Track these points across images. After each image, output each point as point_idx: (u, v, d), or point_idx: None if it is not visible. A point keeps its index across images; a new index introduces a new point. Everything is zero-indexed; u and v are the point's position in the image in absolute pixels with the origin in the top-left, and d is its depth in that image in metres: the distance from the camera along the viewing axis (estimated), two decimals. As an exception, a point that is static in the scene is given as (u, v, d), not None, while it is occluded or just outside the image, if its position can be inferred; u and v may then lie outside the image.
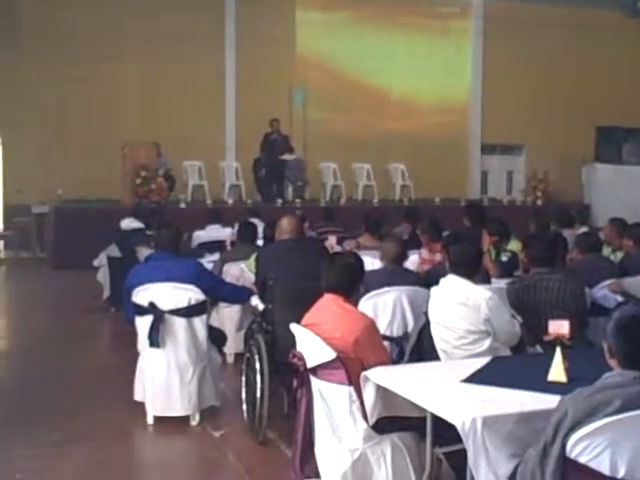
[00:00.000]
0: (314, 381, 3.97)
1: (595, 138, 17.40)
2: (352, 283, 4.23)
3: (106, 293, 9.98)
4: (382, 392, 3.64)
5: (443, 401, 3.31)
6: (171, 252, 5.78)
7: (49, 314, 9.97)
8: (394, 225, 9.05)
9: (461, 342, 4.52)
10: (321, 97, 16.49)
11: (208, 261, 7.44)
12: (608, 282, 5.79)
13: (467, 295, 4.51)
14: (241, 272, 6.97)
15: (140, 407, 5.73)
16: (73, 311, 9.82)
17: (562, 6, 17.35)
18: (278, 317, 5.14)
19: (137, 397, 5.80)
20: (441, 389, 3.47)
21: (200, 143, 15.25)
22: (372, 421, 3.73)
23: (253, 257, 6.12)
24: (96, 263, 10.15)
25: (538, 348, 4.72)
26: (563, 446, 2.74)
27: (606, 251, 7.14)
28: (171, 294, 5.55)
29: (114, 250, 9.69)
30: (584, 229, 8.34)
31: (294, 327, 4.18)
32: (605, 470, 2.71)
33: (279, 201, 14.37)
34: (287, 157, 14.99)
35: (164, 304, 5.53)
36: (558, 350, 3.54)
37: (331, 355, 3.83)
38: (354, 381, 3.77)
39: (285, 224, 5.77)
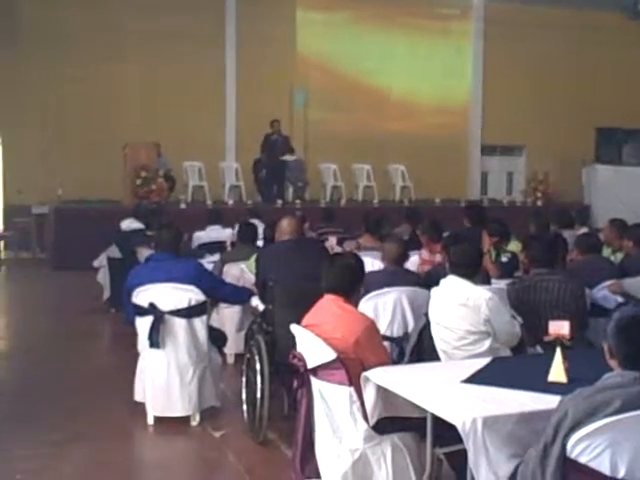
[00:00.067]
0: (314, 382, 3.98)
1: (595, 139, 17.41)
2: (352, 284, 4.23)
3: (106, 294, 9.98)
4: (382, 392, 3.65)
5: (443, 401, 3.31)
6: (171, 253, 5.78)
7: (49, 315, 9.97)
8: (394, 226, 9.05)
9: (461, 343, 4.52)
10: (322, 98, 16.49)
11: (208, 262, 7.44)
12: (608, 283, 5.80)
13: (467, 296, 4.52)
14: (241, 273, 6.97)
15: (140, 407, 5.73)
16: (73, 312, 9.81)
17: (562, 8, 17.35)
18: (278, 318, 5.14)
19: (137, 397, 5.80)
20: (441, 389, 3.47)
21: (200, 144, 15.26)
22: (372, 421, 3.73)
23: (253, 258, 6.12)
24: (96, 264, 10.15)
25: (538, 349, 4.72)
26: (563, 446, 2.75)
27: (606, 252, 7.15)
28: (171, 295, 5.55)
29: (114, 251, 9.69)
30: (584, 230, 8.34)
31: (294, 328, 4.18)
32: (605, 470, 2.71)
33: (279, 202, 14.37)
34: (288, 158, 15.00)
35: (164, 305, 5.53)
36: (558, 351, 3.55)
37: (331, 356, 3.83)
38: (354, 381, 3.77)
39: (285, 225, 5.77)
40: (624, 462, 2.70)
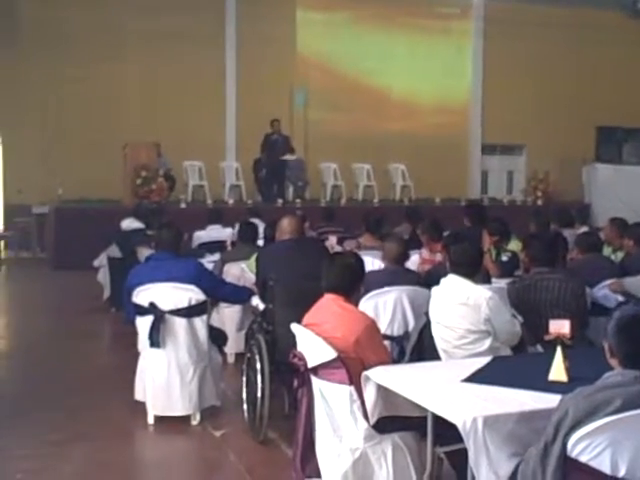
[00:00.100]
0: (315, 381, 3.98)
1: (595, 138, 17.42)
2: (352, 283, 4.23)
3: (106, 293, 9.99)
4: (383, 392, 3.64)
5: (444, 401, 3.31)
6: (171, 252, 5.77)
7: (49, 314, 9.97)
8: (394, 225, 9.06)
9: (462, 342, 4.52)
10: (322, 97, 16.49)
11: (208, 261, 7.44)
12: (609, 282, 5.80)
13: (468, 295, 4.52)
14: (242, 272, 6.97)
15: (141, 407, 5.73)
16: (74, 311, 9.82)
17: (562, 7, 17.35)
18: (279, 317, 5.14)
19: (138, 397, 5.80)
20: (442, 389, 3.47)
21: (200, 143, 15.26)
22: (373, 421, 3.73)
23: (253, 257, 6.11)
24: (96, 263, 10.15)
25: (539, 348, 4.72)
26: (564, 445, 2.75)
27: (607, 251, 7.14)
28: (171, 294, 5.55)
29: (114, 250, 9.69)
30: (584, 229, 8.34)
31: (295, 327, 4.18)
32: (606, 469, 2.71)
33: (279, 201, 14.37)
34: (288, 157, 15.00)
35: (164, 304, 5.53)
36: (559, 350, 3.54)
37: (332, 355, 3.83)
38: (355, 381, 3.77)
39: (286, 224, 5.77)
40: (624, 461, 2.70)
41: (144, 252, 7.99)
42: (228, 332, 6.45)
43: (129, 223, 10.07)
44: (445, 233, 6.94)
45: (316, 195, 15.82)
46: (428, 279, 5.52)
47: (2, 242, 14.09)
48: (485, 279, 5.44)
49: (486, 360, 3.96)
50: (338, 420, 3.88)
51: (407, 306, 5.39)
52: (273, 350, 5.16)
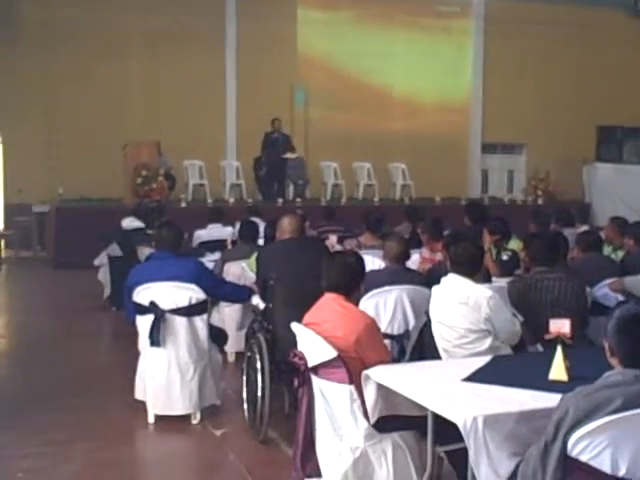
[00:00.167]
0: (315, 380, 3.98)
1: (596, 137, 17.40)
2: (353, 282, 4.23)
3: (107, 292, 9.98)
4: (383, 391, 3.65)
5: (444, 400, 3.31)
6: (172, 251, 5.77)
7: (50, 313, 9.97)
8: (395, 224, 9.06)
9: (462, 341, 4.52)
10: (322, 96, 16.49)
11: (209, 260, 7.44)
12: (609, 281, 5.80)
13: (468, 294, 4.52)
14: (242, 271, 6.97)
15: (141, 406, 5.73)
16: (74, 310, 9.81)
17: (563, 5, 17.33)
18: (279, 316, 5.14)
19: (138, 396, 5.81)
20: (442, 388, 3.47)
21: (201, 142, 15.25)
22: (373, 420, 3.74)
23: (254, 256, 6.11)
24: (97, 262, 10.14)
25: (539, 347, 4.72)
26: (564, 444, 2.75)
27: (607, 250, 7.15)
28: (172, 293, 5.56)
29: (115, 249, 9.68)
30: (585, 228, 8.34)
31: (295, 326, 4.18)
32: (606, 469, 2.71)
33: (280, 200, 14.36)
34: (289, 156, 14.99)
35: (165, 303, 5.53)
36: (559, 349, 3.55)
37: (332, 354, 3.83)
38: (355, 380, 3.78)
39: (286, 224, 5.76)
40: (625, 460, 2.70)
41: (144, 251, 7.99)
42: (228, 331, 6.45)
43: (129, 222, 10.06)
44: (445, 232, 6.94)
45: (316, 194, 15.81)
46: (429, 278, 5.52)
47: (2, 241, 14.08)
48: (485, 278, 5.44)
49: (486, 359, 3.96)
50: (338, 419, 3.88)
51: (407, 305, 5.39)
52: (273, 349, 5.16)
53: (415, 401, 3.44)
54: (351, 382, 3.79)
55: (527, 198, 16.85)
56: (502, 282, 5.71)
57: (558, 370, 3.50)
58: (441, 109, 17.68)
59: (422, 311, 5.06)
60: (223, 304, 6.73)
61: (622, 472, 2.70)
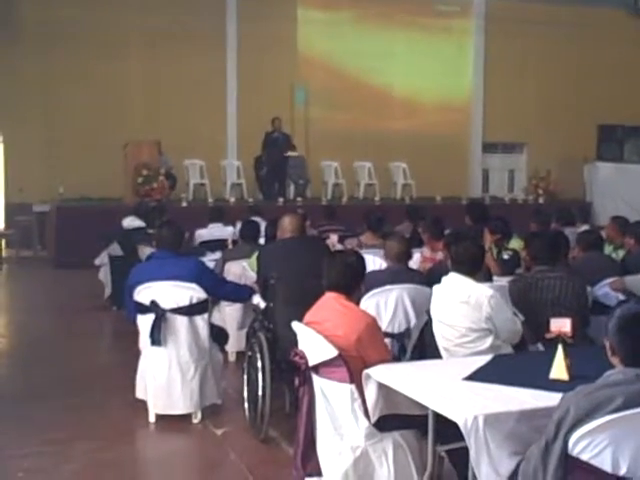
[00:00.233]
0: (316, 379, 3.98)
1: (597, 136, 17.41)
2: (354, 281, 4.23)
3: (108, 292, 9.98)
4: (384, 390, 3.65)
5: (445, 399, 3.31)
6: (173, 251, 5.77)
7: (50, 313, 9.96)
8: (396, 224, 9.06)
9: (463, 340, 4.52)
10: (322, 96, 16.49)
11: (210, 260, 7.45)
12: (610, 280, 5.80)
13: (469, 293, 4.51)
14: (243, 270, 6.97)
15: (142, 405, 5.73)
16: (75, 310, 9.82)
17: (563, 4, 17.33)
18: (280, 315, 5.14)
19: (139, 395, 5.81)
20: (443, 387, 3.47)
21: (201, 142, 15.26)
22: (374, 419, 3.74)
23: (255, 256, 6.11)
24: (97, 262, 10.15)
25: (540, 346, 4.72)
26: (565, 443, 2.75)
27: (608, 249, 7.15)
28: (173, 292, 5.56)
29: (116, 249, 9.68)
30: (585, 227, 8.34)
31: (296, 325, 4.18)
32: (607, 467, 2.71)
33: (281, 199, 14.37)
34: (290, 153, 14.99)
35: (166, 302, 5.53)
36: (560, 348, 3.54)
37: (333, 353, 3.83)
38: (356, 379, 3.78)
39: (287, 223, 5.77)
40: (626, 459, 2.70)
41: (145, 250, 7.99)
42: (229, 330, 6.45)
43: (130, 221, 10.06)
44: (446, 231, 6.94)
45: (317, 193, 15.81)
46: (429, 277, 5.52)
47: (3, 240, 14.08)
48: (486, 277, 5.44)
49: (487, 358, 3.97)
50: (339, 418, 3.88)
51: (408, 304, 5.39)
52: (274, 348, 5.16)
53: (416, 400, 3.44)
54: (352, 381, 3.79)
55: (528, 197, 16.83)
56: (503, 281, 5.70)
57: (559, 369, 3.50)
58: (442, 108, 17.67)
59: (423, 310, 5.05)
60: (224, 303, 6.72)
61: (623, 471, 2.70)
